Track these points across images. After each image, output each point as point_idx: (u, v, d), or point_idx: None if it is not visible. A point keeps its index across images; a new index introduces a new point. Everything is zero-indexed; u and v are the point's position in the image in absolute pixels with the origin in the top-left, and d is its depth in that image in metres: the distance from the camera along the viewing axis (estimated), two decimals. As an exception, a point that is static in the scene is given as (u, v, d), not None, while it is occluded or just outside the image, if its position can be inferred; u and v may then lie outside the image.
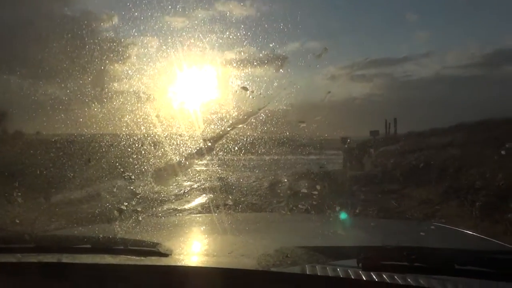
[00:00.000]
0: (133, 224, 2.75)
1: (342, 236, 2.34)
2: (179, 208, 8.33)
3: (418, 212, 8.47)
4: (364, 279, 1.28)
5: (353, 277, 1.29)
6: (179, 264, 1.51)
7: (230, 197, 9.52)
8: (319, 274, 1.31)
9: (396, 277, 1.27)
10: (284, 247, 1.48)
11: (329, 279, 1.30)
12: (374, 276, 1.28)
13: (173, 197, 9.51)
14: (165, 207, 8.27)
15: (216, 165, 12.13)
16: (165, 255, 1.53)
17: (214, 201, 9.28)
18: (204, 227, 2.76)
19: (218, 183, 10.96)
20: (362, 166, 14.56)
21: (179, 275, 1.44)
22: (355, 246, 1.72)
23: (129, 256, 1.52)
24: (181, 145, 9.13)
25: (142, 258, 1.51)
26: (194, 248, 1.79)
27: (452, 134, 11.73)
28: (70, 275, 1.47)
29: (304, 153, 12.58)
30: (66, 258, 1.50)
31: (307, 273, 1.32)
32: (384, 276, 1.28)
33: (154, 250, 1.55)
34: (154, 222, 5.12)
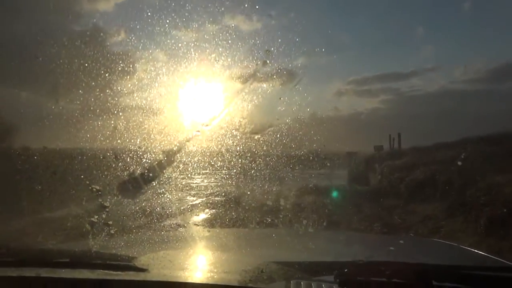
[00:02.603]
0: (110, 238, 2.79)
1: (322, 250, 2.33)
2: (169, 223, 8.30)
3: (422, 228, 8.42)
4: None
5: None
6: (156, 279, 1.48)
7: (237, 211, 9.55)
8: None
9: None
10: (261, 263, 1.47)
11: None
12: None
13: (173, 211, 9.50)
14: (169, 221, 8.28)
15: (226, 179, 12.16)
16: (142, 270, 1.51)
17: (219, 217, 9.30)
18: (185, 244, 2.71)
19: (227, 198, 10.99)
20: (367, 181, 14.51)
21: None
22: (332, 261, 1.70)
23: (107, 271, 1.51)
24: (188, 159, 9.23)
25: (120, 272, 1.50)
26: (171, 263, 1.79)
27: (457, 149, 11.68)
28: None
29: (310, 168, 12.60)
30: (45, 272, 1.48)
31: None
32: None
33: (131, 265, 1.54)
34: (134, 237, 5.12)
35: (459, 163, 10.72)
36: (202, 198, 11.54)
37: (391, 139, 18.33)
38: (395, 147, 18.07)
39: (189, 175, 9.36)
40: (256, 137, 9.15)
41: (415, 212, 9.74)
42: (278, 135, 9.63)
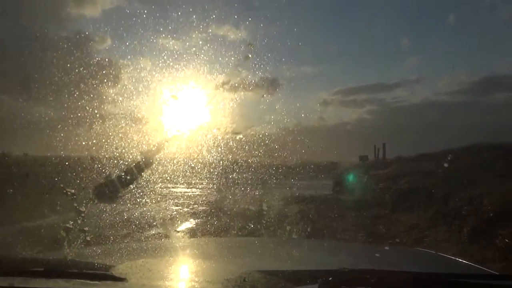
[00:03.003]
0: (86, 246, 2.62)
1: (306, 259, 2.29)
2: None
3: (407, 237, 8.39)
4: None
5: None
6: None
7: (219, 217, 9.38)
8: None
9: None
10: (244, 271, 1.44)
11: None
12: None
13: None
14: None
15: (207, 182, 11.96)
16: (121, 279, 1.46)
17: (201, 224, 9.13)
18: (165, 252, 2.65)
19: (208, 203, 10.79)
20: (352, 191, 14.51)
21: None
22: (316, 269, 1.66)
23: (83, 280, 1.47)
24: (167, 161, 9.04)
25: (97, 282, 1.45)
26: (151, 272, 1.72)
27: (441, 159, 11.77)
28: None
29: (294, 178, 12.54)
30: (18, 282, 1.42)
31: None
32: None
33: (108, 274, 1.48)
34: (111, 245, 4.93)
35: (443, 173, 10.78)
36: (182, 200, 11.34)
37: (376, 149, 18.48)
38: (380, 157, 18.20)
39: (168, 178, 9.17)
40: (237, 137, 9.09)
41: (399, 222, 9.72)
42: (260, 140, 9.58)
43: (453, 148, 13.87)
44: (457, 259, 2.34)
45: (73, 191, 5.43)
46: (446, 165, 11.06)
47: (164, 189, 10.70)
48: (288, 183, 12.88)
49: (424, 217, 9.41)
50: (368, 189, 13.37)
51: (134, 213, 8.64)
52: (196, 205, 10.96)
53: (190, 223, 9.48)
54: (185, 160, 9.51)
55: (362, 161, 18.39)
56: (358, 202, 12.03)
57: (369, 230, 8.84)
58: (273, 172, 11.28)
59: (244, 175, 10.56)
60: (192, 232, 8.58)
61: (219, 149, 9.32)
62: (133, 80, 9.04)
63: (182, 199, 11.78)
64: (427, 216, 9.36)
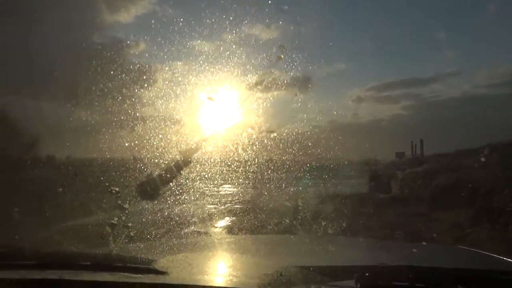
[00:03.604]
0: (130, 241, 2.72)
1: (342, 255, 2.29)
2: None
3: (447, 236, 8.17)
4: None
5: None
6: (175, 282, 1.48)
7: (255, 213, 9.48)
8: None
9: None
10: (281, 267, 1.45)
11: None
12: None
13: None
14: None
15: (243, 179, 12.09)
16: (163, 272, 1.51)
17: (238, 221, 9.26)
18: (204, 248, 2.72)
19: (245, 200, 10.93)
20: (389, 188, 14.23)
21: None
22: (353, 265, 1.66)
23: (127, 273, 1.52)
24: (208, 167, 9.25)
25: (140, 275, 1.50)
26: (191, 266, 1.78)
27: (481, 155, 11.34)
28: None
29: (329, 175, 12.43)
30: (67, 275, 1.50)
31: None
32: None
33: (151, 268, 1.54)
34: (153, 240, 5.09)
35: (484, 169, 10.40)
36: (220, 198, 11.53)
37: (413, 145, 18.02)
38: (417, 153, 17.73)
39: (205, 176, 9.40)
40: (271, 135, 9.18)
41: (439, 220, 9.47)
42: (294, 138, 9.59)
43: (494, 143, 13.31)
44: (499, 256, 2.28)
45: (117, 189, 5.72)
46: (487, 160, 10.66)
47: (202, 187, 10.92)
48: (323, 181, 12.80)
49: (466, 215, 9.13)
50: (406, 186, 13.08)
51: (174, 210, 8.88)
52: (233, 202, 11.14)
53: (228, 220, 9.60)
54: (222, 158, 9.65)
55: (399, 158, 18.00)
56: (396, 200, 11.80)
57: (407, 229, 8.65)
58: (307, 169, 11.23)
59: (279, 172, 10.58)
60: (229, 228, 8.70)
61: (254, 147, 9.41)
62: (171, 84, 9.24)
63: (219, 196, 12.01)
64: (469, 214, 9.08)
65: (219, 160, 9.66)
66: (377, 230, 8.61)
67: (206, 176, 9.77)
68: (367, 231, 8.59)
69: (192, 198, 10.21)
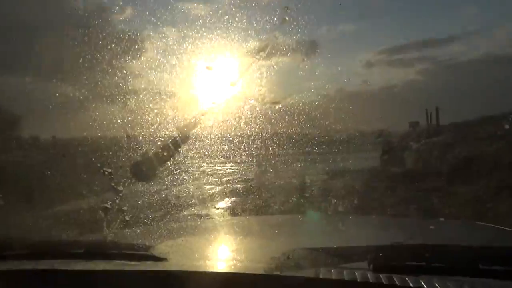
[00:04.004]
0: (125, 226, 2.73)
1: (353, 235, 2.19)
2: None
3: (466, 211, 7.64)
4: (374, 281, 1.19)
5: (360, 280, 1.19)
6: (176, 269, 1.44)
7: (260, 192, 9.06)
8: (321, 277, 1.22)
9: (407, 279, 1.16)
10: (288, 249, 1.41)
11: (333, 282, 1.21)
12: (384, 279, 1.18)
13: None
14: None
15: (245, 163, 11.59)
16: (161, 259, 1.46)
17: (241, 201, 8.85)
18: (205, 231, 2.66)
19: (249, 184, 10.46)
20: (402, 162, 13.63)
21: (177, 280, 1.36)
22: (366, 245, 1.53)
23: (123, 261, 1.47)
24: (204, 134, 8.76)
25: (137, 262, 1.45)
26: (192, 252, 1.76)
27: (504, 123, 10.58)
28: (64, 282, 1.44)
29: (338, 148, 11.84)
30: (59, 265, 1.46)
31: (310, 276, 1.24)
32: (395, 278, 1.17)
33: (149, 254, 1.49)
34: (151, 224, 4.85)
35: (507, 138, 9.70)
36: (222, 176, 11.09)
37: (428, 114, 17.11)
38: (432, 123, 16.88)
39: (205, 153, 8.97)
40: (276, 107, 8.71)
41: (457, 194, 8.89)
42: (300, 109, 9.04)
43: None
44: None
45: (110, 170, 5.65)
46: (511, 128, 9.96)
47: (202, 165, 10.49)
48: (332, 155, 12.18)
49: (486, 189, 8.52)
50: (421, 159, 12.49)
51: (173, 191, 8.50)
52: (236, 181, 10.68)
53: (230, 200, 9.25)
54: (222, 133, 9.19)
55: (413, 128, 17.28)
56: (410, 173, 11.23)
57: (423, 205, 8.14)
58: (315, 142, 10.66)
59: (285, 147, 10.06)
60: (232, 209, 8.37)
61: (257, 120, 8.86)
62: (165, 53, 8.65)
63: (220, 175, 11.55)
64: (490, 188, 8.47)
65: (219, 135, 9.27)
66: (391, 207, 8.16)
67: (206, 153, 9.38)
68: (380, 208, 8.16)
69: (191, 178, 9.84)
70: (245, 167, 11.51)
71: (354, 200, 8.59)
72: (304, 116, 9.50)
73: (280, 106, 9.18)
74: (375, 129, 13.63)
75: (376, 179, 10.30)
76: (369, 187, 9.83)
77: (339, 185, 10.08)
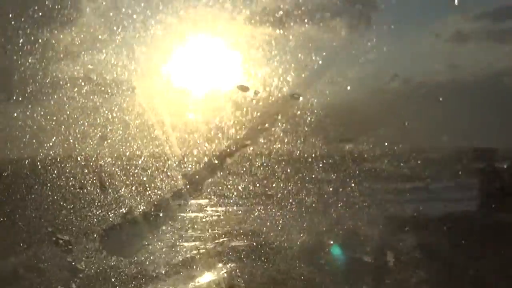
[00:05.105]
0: None
1: None
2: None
3: None
4: None
5: None
6: None
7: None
8: None
9: None
10: None
11: None
12: None
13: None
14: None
15: (247, 206, 7.71)
16: None
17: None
18: None
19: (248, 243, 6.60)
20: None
21: None
22: None
23: None
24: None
25: None
26: None
27: None
28: None
29: (402, 178, 7.77)
30: None
31: None
32: None
33: None
34: None
35: None
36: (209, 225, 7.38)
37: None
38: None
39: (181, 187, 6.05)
40: (293, 103, 5.46)
41: None
42: (340, 112, 6.09)
43: None
44: None
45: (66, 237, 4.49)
46: None
47: (182, 209, 6.94)
48: (393, 189, 8.14)
49: None
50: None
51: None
52: (230, 235, 6.77)
53: (221, 270, 5.77)
54: (207, 151, 5.90)
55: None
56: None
57: None
58: (366, 168, 6.85)
59: (312, 174, 6.47)
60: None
61: (265, 125, 5.83)
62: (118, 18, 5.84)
63: (210, 222, 7.69)
64: None
65: (201, 155, 5.92)
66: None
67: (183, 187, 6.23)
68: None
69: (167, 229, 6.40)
70: (247, 208, 7.51)
71: (439, 277, 5.13)
72: (346, 120, 6.19)
73: (302, 99, 5.85)
74: (471, 147, 9.09)
75: (475, 239, 6.05)
76: (463, 254, 5.82)
77: (407, 246, 6.05)
